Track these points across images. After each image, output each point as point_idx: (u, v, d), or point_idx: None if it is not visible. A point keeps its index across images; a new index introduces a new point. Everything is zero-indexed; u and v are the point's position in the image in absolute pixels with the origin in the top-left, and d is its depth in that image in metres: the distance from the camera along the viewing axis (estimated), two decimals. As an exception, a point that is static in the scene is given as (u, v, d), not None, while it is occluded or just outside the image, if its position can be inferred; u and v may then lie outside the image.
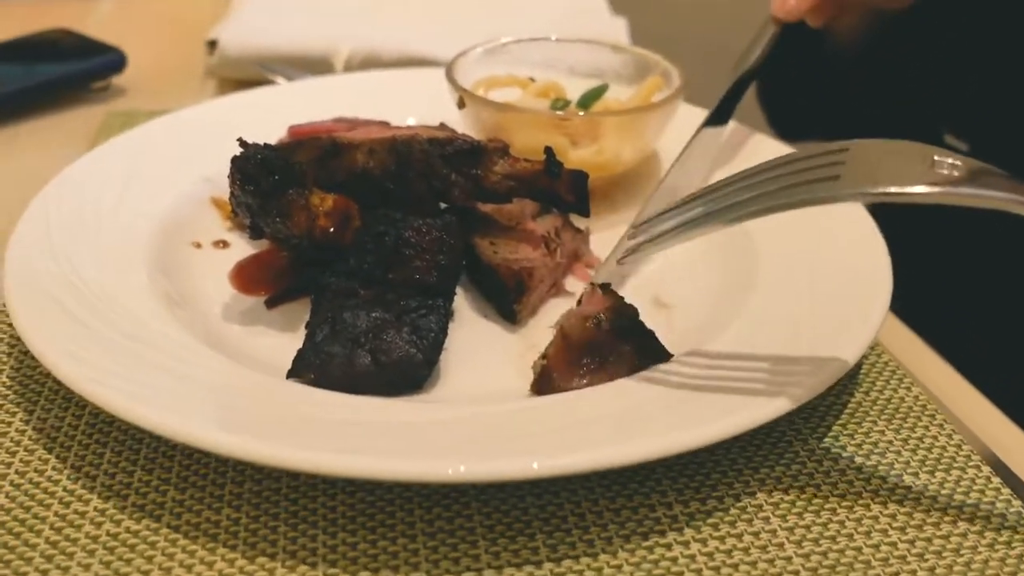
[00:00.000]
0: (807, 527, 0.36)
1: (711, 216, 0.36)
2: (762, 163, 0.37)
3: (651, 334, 0.41)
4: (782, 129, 0.59)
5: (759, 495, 0.37)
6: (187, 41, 0.88)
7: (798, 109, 0.71)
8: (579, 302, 0.43)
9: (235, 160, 0.43)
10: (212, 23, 0.87)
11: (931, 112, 0.70)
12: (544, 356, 0.40)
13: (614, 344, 0.39)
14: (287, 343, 0.43)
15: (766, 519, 0.36)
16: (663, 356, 0.40)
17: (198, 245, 0.51)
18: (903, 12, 0.62)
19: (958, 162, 0.33)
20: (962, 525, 0.36)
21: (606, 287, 0.42)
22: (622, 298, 0.41)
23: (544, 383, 0.40)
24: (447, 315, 0.42)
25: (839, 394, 0.43)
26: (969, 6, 0.65)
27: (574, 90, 0.59)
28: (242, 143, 0.43)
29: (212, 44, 0.79)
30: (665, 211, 0.38)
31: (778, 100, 0.74)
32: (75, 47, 0.75)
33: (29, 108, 0.71)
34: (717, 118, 0.54)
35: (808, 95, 0.73)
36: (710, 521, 0.36)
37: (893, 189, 0.33)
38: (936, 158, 0.34)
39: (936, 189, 0.33)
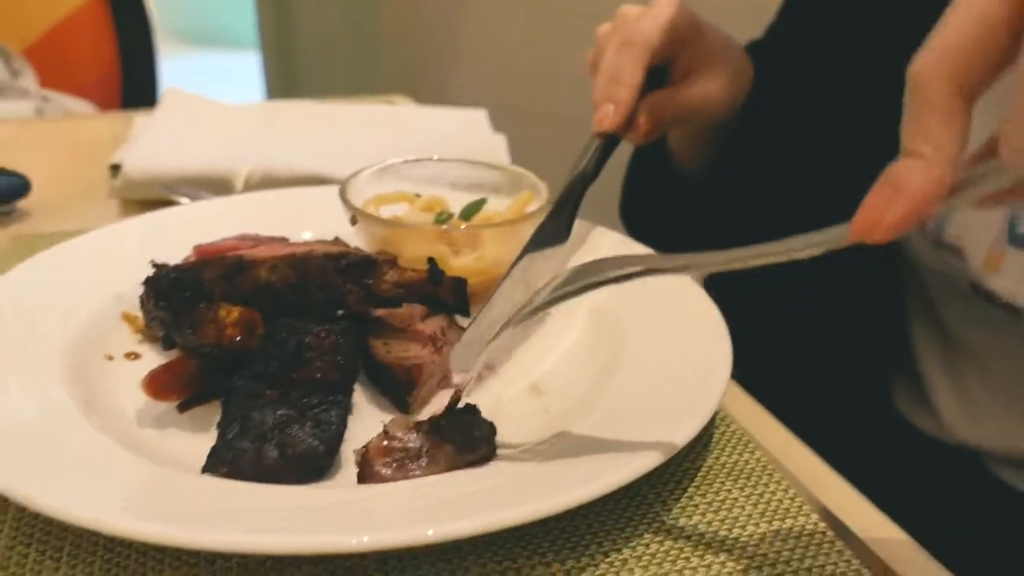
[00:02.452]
0: (665, 574, 0.42)
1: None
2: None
3: (470, 433, 0.45)
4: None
5: (624, 551, 0.43)
6: (87, 164, 0.92)
7: (658, 235, 0.78)
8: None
9: (149, 280, 0.47)
10: (111, 145, 0.92)
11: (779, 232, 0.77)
12: (365, 447, 0.45)
13: (433, 441, 0.45)
14: (200, 443, 0.47)
15: (631, 571, 0.42)
16: (488, 453, 0.45)
17: (110, 358, 0.55)
18: (733, 131, 0.71)
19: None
20: (794, 564, 0.42)
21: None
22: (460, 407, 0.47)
23: (365, 472, 0.44)
24: (346, 409, 0.48)
25: (693, 460, 0.49)
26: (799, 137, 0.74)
27: (456, 203, 0.66)
28: (155, 264, 0.48)
29: (115, 167, 0.83)
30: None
31: (640, 226, 0.81)
32: (-21, 173, 0.79)
33: (-66, 234, 0.73)
34: (553, 229, 0.59)
35: (664, 221, 0.80)
36: (583, 575, 0.41)
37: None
38: None
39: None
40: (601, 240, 0.66)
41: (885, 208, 0.34)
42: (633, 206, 0.84)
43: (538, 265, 0.56)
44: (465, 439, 0.45)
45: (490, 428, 0.46)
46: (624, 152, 0.84)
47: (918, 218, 0.34)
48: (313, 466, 0.45)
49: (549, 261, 0.57)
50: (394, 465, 0.44)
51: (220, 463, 0.44)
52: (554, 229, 0.58)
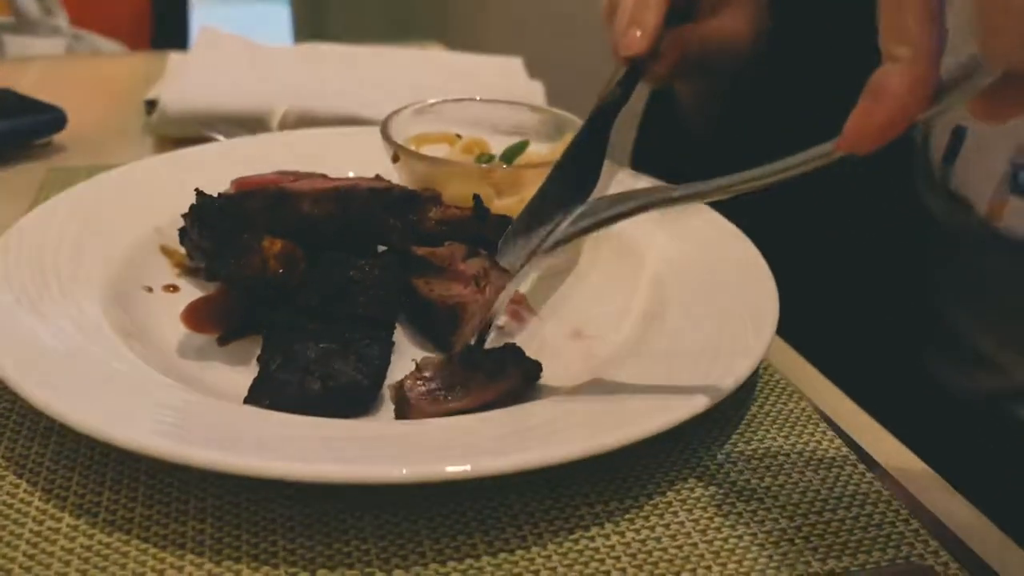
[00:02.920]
0: (710, 519, 0.41)
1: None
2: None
3: (501, 363, 0.45)
4: None
5: (668, 494, 0.42)
6: (122, 100, 0.91)
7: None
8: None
9: (194, 207, 0.47)
10: (145, 82, 0.91)
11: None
12: (399, 383, 0.44)
13: (465, 370, 0.44)
14: (239, 376, 0.46)
15: (675, 514, 0.41)
16: (520, 379, 0.45)
17: (149, 289, 0.54)
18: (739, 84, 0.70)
19: None
20: (841, 512, 0.42)
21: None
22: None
23: (401, 407, 0.44)
24: (389, 345, 0.47)
25: (737, 408, 0.48)
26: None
27: (497, 146, 0.65)
28: (199, 193, 0.47)
29: (150, 104, 0.82)
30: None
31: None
32: (17, 106, 0.78)
33: (-27, 164, 0.73)
34: (586, 155, 0.58)
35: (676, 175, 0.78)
36: (627, 517, 0.41)
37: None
38: None
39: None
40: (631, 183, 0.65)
41: (869, 116, 0.34)
42: (646, 161, 0.83)
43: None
44: (496, 366, 0.45)
45: (522, 355, 0.46)
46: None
47: (904, 121, 0.34)
48: (356, 400, 0.44)
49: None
50: (428, 397, 0.44)
51: (263, 394, 0.44)
52: (587, 154, 0.58)
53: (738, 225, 0.60)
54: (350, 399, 0.44)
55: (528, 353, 0.49)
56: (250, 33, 1.06)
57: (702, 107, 0.77)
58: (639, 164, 0.83)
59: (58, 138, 0.79)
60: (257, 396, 0.44)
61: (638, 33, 0.61)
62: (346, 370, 0.44)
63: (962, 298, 0.71)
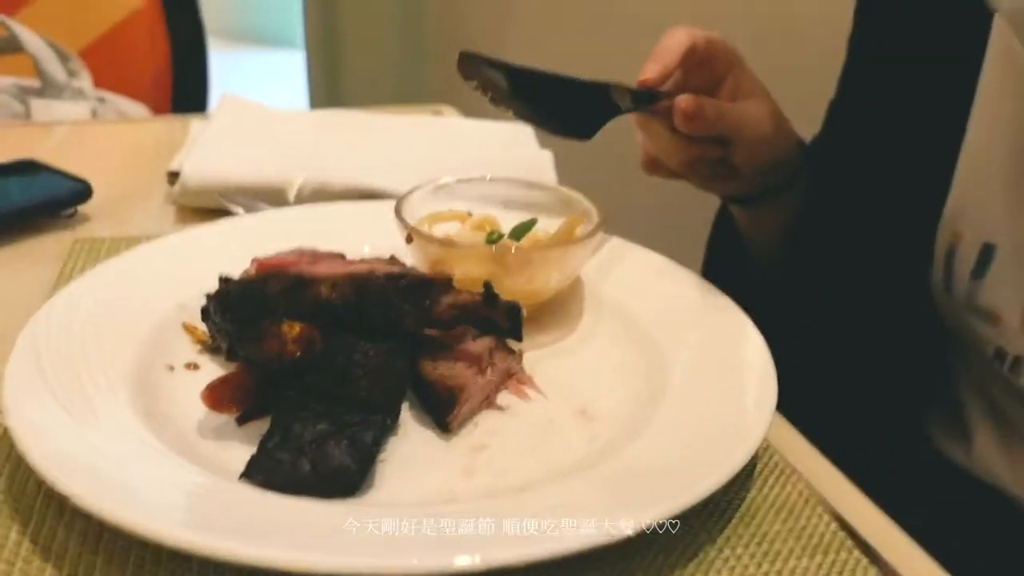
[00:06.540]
0: (710, 606, 0.42)
1: None
2: None
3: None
4: None
5: (670, 580, 0.44)
6: (144, 168, 0.94)
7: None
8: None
9: (217, 293, 0.49)
10: (168, 149, 0.94)
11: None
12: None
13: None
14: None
15: (676, 600, 0.43)
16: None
17: (171, 368, 0.56)
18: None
19: None
20: (837, 600, 0.43)
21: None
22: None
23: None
24: (385, 430, 0.49)
25: (738, 491, 0.50)
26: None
27: (507, 223, 0.67)
28: (222, 279, 0.50)
29: (173, 174, 0.85)
30: None
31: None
32: (45, 178, 0.81)
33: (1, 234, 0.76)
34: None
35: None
36: (629, 603, 0.42)
37: None
38: None
39: None
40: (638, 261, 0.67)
41: None
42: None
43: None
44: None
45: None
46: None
47: None
48: (343, 484, 0.46)
49: None
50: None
51: (257, 471, 0.46)
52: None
53: (744, 306, 0.62)
54: (337, 483, 0.46)
55: (535, 432, 0.51)
56: (265, 80, 1.09)
57: (765, 243, 0.79)
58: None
59: (82, 208, 0.82)
60: (252, 473, 0.46)
61: (653, 66, 0.64)
62: (336, 454, 0.46)
63: (978, 399, 0.71)
